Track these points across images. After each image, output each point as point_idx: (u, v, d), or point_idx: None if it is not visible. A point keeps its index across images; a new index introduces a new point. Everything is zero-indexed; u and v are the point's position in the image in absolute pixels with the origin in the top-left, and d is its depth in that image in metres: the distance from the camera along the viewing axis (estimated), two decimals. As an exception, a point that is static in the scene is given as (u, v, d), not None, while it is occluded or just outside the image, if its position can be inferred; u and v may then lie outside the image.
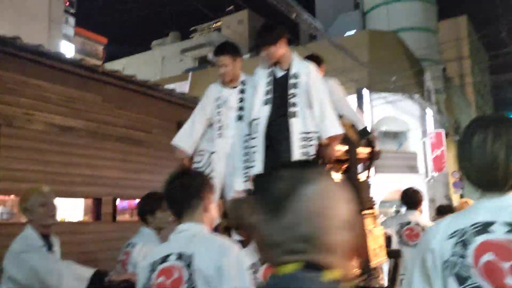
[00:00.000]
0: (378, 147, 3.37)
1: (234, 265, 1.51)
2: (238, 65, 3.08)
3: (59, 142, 4.91)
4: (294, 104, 2.85)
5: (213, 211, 1.74)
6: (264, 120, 2.85)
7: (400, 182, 17.57)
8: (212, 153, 3.02)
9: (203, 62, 28.15)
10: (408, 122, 18.21)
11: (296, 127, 2.82)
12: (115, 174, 5.52)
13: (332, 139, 2.83)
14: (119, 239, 5.28)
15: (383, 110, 17.78)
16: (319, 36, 28.84)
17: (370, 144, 3.34)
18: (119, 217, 5.49)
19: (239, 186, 2.92)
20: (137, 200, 3.26)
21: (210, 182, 1.83)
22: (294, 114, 2.84)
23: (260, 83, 2.95)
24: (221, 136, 3.01)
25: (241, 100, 3.05)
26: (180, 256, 1.56)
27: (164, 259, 1.59)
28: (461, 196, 24.29)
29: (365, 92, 17.37)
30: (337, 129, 2.85)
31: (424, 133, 18.24)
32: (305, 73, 2.89)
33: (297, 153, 2.76)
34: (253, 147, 2.84)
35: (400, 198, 3.95)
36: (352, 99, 17.41)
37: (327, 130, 2.82)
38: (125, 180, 5.62)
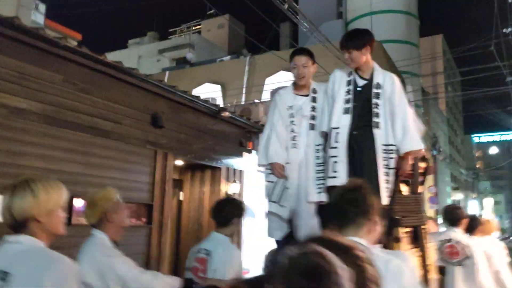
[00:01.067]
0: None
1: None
2: (312, 71, 3.07)
3: (6, 126, 4.04)
4: (377, 115, 2.78)
5: (377, 234, 1.68)
6: (345, 130, 2.76)
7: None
8: (287, 163, 2.97)
9: (181, 62, 27.26)
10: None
11: (379, 138, 2.74)
12: (74, 169, 4.65)
13: (411, 153, 2.77)
14: (76, 246, 4.43)
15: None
16: (302, 41, 28.50)
17: (424, 158, 3.20)
18: (76, 220, 4.61)
19: (313, 197, 2.89)
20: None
21: (379, 204, 1.76)
22: (377, 125, 2.76)
23: (339, 91, 2.85)
24: (295, 146, 2.96)
25: (313, 109, 3.00)
26: None
27: None
28: (437, 212, 24.11)
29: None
30: (418, 144, 2.78)
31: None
32: (389, 84, 2.82)
33: (380, 165, 2.68)
34: (334, 157, 2.74)
35: (442, 215, 3.96)
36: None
37: (409, 144, 2.74)
38: (86, 176, 4.76)
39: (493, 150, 59.89)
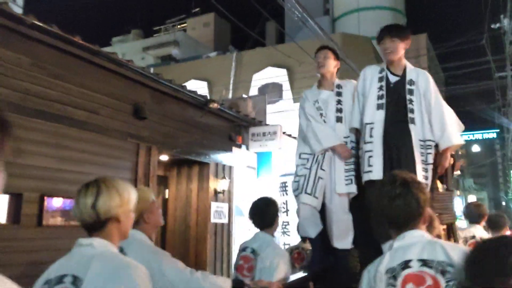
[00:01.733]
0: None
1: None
2: (336, 69, 3.19)
3: (-37, 113, 3.50)
4: (412, 111, 2.78)
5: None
6: (380, 125, 2.78)
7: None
8: (316, 155, 3.00)
9: (166, 60, 26.69)
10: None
11: (416, 134, 2.74)
12: (44, 164, 4.14)
13: (451, 149, 2.80)
14: (47, 249, 3.91)
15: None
16: (288, 38, 28.16)
17: (452, 155, 3.12)
18: (47, 221, 4.09)
19: (341, 188, 2.91)
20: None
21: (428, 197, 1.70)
22: (413, 121, 2.76)
23: (371, 88, 2.88)
24: None
25: (339, 102, 3.06)
26: (426, 263, 1.49)
27: (406, 264, 1.50)
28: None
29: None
30: (458, 139, 2.81)
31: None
32: (423, 80, 2.84)
33: (418, 161, 2.69)
34: (369, 151, 2.75)
35: (463, 212, 3.97)
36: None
37: (448, 140, 2.77)
38: (58, 172, 4.25)
39: (476, 148, 60.55)
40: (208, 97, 6.85)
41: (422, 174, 2.67)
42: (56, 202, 4.16)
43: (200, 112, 6.58)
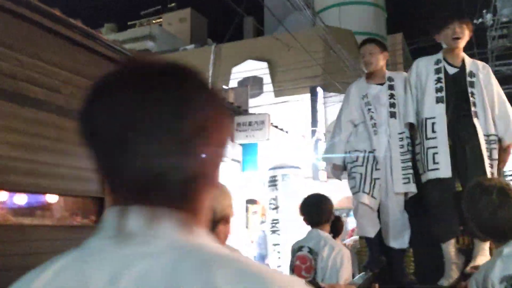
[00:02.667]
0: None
1: None
2: (384, 60, 3.02)
3: None
4: (474, 104, 2.68)
5: None
6: (442, 119, 2.67)
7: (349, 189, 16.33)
8: (370, 152, 2.88)
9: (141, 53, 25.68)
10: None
11: (479, 128, 2.65)
12: (-10, 150, 3.37)
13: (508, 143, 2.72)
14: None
15: (336, 113, 16.53)
16: (268, 31, 27.60)
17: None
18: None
19: (399, 188, 2.81)
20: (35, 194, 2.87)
21: None
22: (476, 115, 2.67)
23: (427, 80, 2.77)
24: (376, 133, 2.85)
25: (391, 96, 2.92)
26: None
27: None
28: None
29: (319, 91, 16.01)
30: None
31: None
32: (484, 73, 2.76)
33: (485, 156, 2.60)
34: (433, 148, 2.65)
35: None
36: (306, 97, 16.05)
37: None
38: (7, 160, 3.48)
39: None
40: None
41: (489, 170, 2.59)
42: (3, 196, 3.40)
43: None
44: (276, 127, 7.75)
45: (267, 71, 17.32)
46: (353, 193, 2.89)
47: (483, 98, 2.69)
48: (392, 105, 2.88)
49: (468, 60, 2.78)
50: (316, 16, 26.61)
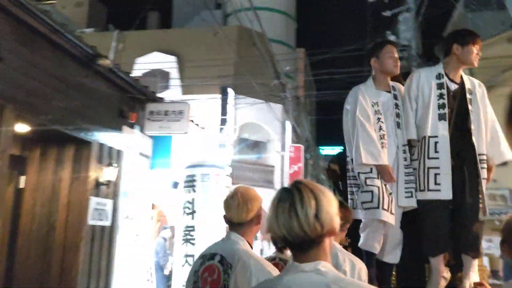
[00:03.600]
0: None
1: None
2: None
3: None
4: (472, 122, 2.66)
5: None
6: (445, 140, 2.63)
7: (254, 196, 15.96)
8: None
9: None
10: (270, 132, 16.81)
11: (477, 148, 2.64)
12: None
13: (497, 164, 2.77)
14: None
15: (246, 116, 16.04)
16: (175, 24, 26.40)
17: None
18: None
19: (402, 202, 2.71)
20: None
21: None
22: (473, 133, 2.65)
23: (430, 95, 2.69)
24: (384, 146, 2.72)
25: (397, 106, 2.80)
26: None
27: None
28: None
29: (230, 92, 15.38)
30: (511, 154, 2.74)
31: (283, 146, 17.04)
32: (480, 91, 2.75)
33: (482, 177, 2.63)
34: (435, 168, 2.62)
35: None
36: (216, 98, 15.33)
37: (504, 154, 2.71)
38: None
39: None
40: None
41: (484, 190, 2.63)
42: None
43: (85, 70, 4.69)
44: (191, 121, 6.83)
45: (175, 65, 16.23)
46: (368, 208, 2.66)
47: (479, 117, 2.68)
48: (397, 115, 2.78)
49: (465, 77, 2.76)
50: (228, 17, 26.14)
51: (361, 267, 2.14)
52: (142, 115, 5.96)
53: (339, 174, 3.32)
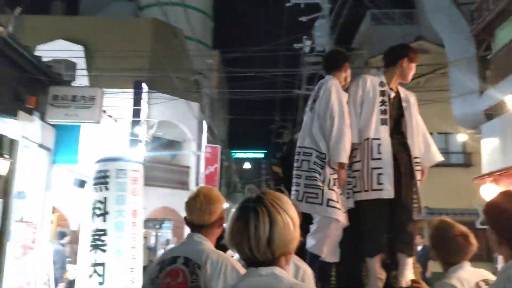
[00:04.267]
0: None
1: None
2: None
3: None
4: (406, 128, 2.87)
5: None
6: (388, 142, 2.79)
7: (169, 198, 15.15)
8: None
9: None
10: (186, 131, 16.08)
11: (411, 151, 2.83)
12: None
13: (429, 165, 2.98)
14: None
15: (161, 113, 15.17)
16: (83, 10, 24.51)
17: None
18: None
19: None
20: None
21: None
22: (407, 137, 2.85)
23: (374, 100, 2.84)
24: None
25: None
26: None
27: None
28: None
29: (144, 87, 14.43)
30: (440, 156, 2.98)
31: (199, 146, 16.40)
32: (412, 101, 2.96)
33: (416, 178, 2.81)
34: (378, 168, 2.73)
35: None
36: (128, 92, 14.30)
37: (434, 156, 2.94)
38: None
39: (247, 166, 66.29)
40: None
41: (418, 190, 2.79)
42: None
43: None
44: (104, 111, 6.02)
45: (83, 55, 14.87)
46: (311, 203, 2.72)
47: (412, 123, 2.86)
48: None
49: (400, 87, 2.95)
50: (141, 10, 24.89)
51: (306, 270, 2.01)
52: (44, 100, 5.05)
53: (281, 177, 3.42)
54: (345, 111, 2.77)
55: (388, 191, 2.66)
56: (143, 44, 15.25)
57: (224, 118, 22.02)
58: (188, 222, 1.82)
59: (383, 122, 2.79)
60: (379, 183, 2.68)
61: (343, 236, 2.71)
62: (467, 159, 14.17)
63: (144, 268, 12.04)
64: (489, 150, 8.03)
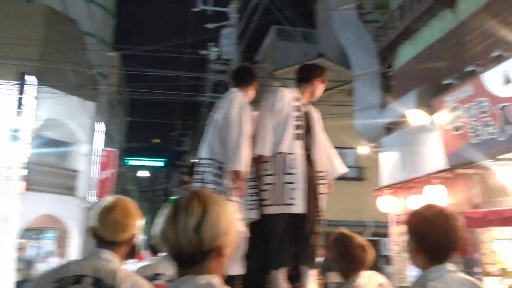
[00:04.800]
0: None
1: None
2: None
3: None
4: (313, 143, 2.94)
5: None
6: (301, 157, 2.82)
7: (52, 205, 13.60)
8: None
9: None
10: (77, 132, 14.67)
11: (316, 165, 2.92)
12: None
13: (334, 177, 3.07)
14: None
15: (50, 110, 13.68)
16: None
17: None
18: None
19: (246, 214, 2.77)
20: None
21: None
22: (313, 152, 2.92)
23: (288, 115, 2.88)
24: None
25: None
26: None
27: None
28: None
29: (31, 80, 12.89)
30: (344, 168, 3.08)
31: (92, 149, 15.07)
32: (316, 115, 3.06)
33: (321, 191, 2.91)
34: (291, 183, 2.75)
35: None
36: (10, 84, 12.71)
37: (338, 169, 3.03)
38: None
39: (144, 173, 64.08)
40: None
41: (322, 204, 2.86)
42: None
43: None
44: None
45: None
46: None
47: (318, 138, 2.96)
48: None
49: (306, 102, 3.03)
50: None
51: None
52: None
53: (186, 185, 3.39)
54: (245, 122, 2.72)
55: (299, 206, 2.69)
56: (33, 33, 13.71)
57: (123, 121, 20.71)
58: (96, 235, 1.60)
59: (298, 137, 2.83)
60: (291, 198, 2.70)
61: (248, 248, 2.62)
62: (361, 173, 14.88)
63: (18, 284, 10.56)
64: (388, 163, 8.36)
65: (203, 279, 1.02)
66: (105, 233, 1.57)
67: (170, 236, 1.03)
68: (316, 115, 3.02)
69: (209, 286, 1.02)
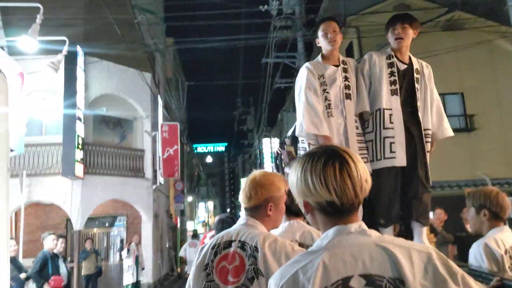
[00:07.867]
0: None
1: None
2: (340, 40, 3.05)
3: None
4: (418, 99, 2.93)
5: None
6: (399, 112, 2.88)
7: (119, 189, 12.32)
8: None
9: None
10: (136, 107, 13.19)
11: (422, 122, 2.90)
12: None
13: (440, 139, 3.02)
14: None
15: (101, 84, 12.24)
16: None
17: None
18: None
19: None
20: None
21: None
22: (419, 109, 2.90)
23: (381, 73, 2.94)
24: (330, 114, 2.93)
25: (346, 78, 3.01)
26: None
27: None
28: (183, 212, 20.85)
29: (78, 51, 11.45)
30: (451, 132, 3.00)
31: (155, 126, 13.55)
32: (427, 72, 3.00)
33: (426, 149, 2.86)
34: (391, 137, 2.81)
35: None
36: (56, 57, 11.24)
37: (446, 130, 2.96)
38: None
39: (209, 159, 64.29)
40: None
41: (428, 162, 2.85)
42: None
43: None
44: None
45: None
46: None
47: (425, 95, 2.91)
48: (347, 87, 2.92)
49: (414, 58, 2.97)
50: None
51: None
52: None
53: (294, 156, 3.41)
54: (306, 90, 2.80)
55: (400, 159, 2.72)
56: (78, 2, 12.35)
57: (183, 95, 19.11)
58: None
59: (394, 92, 2.86)
60: (392, 151, 2.75)
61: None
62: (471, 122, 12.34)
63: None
64: None
65: (355, 226, 1.10)
66: (242, 202, 1.91)
67: (347, 186, 1.06)
68: (425, 71, 2.95)
69: (362, 232, 1.09)
